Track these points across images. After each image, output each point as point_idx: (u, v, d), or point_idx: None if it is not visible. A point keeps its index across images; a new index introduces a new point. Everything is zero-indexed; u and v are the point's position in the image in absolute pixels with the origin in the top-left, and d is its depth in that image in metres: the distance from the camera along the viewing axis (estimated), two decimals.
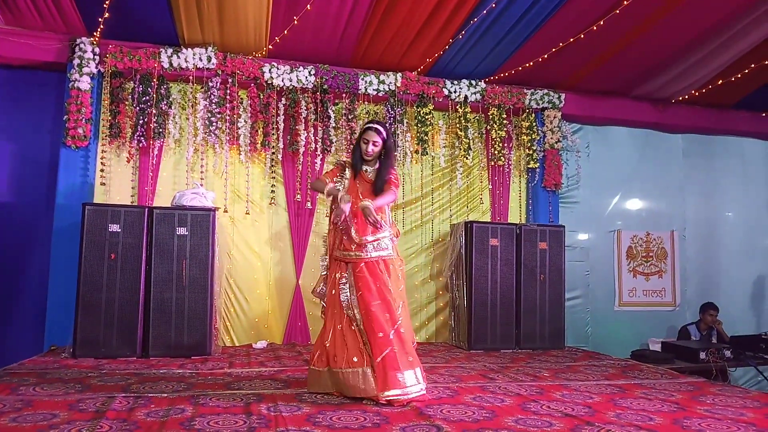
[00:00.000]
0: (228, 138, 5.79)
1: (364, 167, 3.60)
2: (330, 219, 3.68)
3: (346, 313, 3.44)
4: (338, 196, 3.40)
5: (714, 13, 5.26)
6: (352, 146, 3.84)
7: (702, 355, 5.30)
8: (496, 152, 6.54)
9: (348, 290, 3.47)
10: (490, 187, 6.64)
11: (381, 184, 3.52)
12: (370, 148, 3.52)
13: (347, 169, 3.63)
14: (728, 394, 3.77)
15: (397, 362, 3.25)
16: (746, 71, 6.17)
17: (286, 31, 5.33)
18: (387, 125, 3.68)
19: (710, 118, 7.31)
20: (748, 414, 3.22)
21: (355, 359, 3.34)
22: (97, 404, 3.09)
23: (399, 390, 3.22)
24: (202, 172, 5.76)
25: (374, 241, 3.45)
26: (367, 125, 3.59)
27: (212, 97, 5.71)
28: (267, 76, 5.82)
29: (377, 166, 3.60)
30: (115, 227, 4.80)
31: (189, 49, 5.61)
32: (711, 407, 3.38)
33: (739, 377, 6.75)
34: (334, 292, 3.52)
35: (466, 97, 6.42)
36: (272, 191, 5.96)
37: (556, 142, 6.68)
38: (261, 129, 5.86)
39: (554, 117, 6.69)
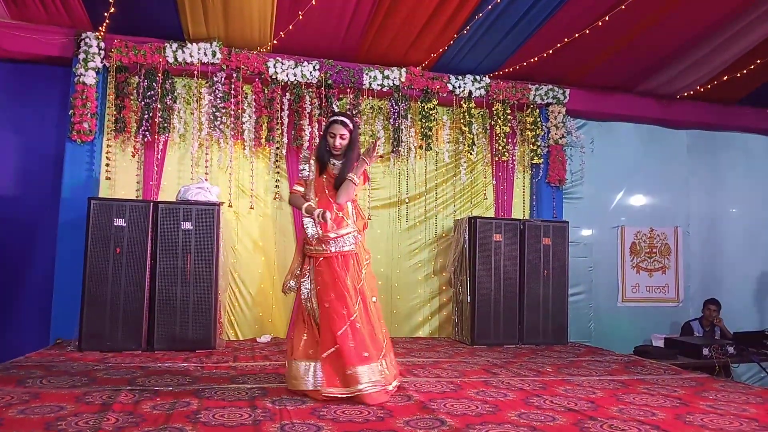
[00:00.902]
0: (232, 133, 5.80)
1: (332, 161, 3.50)
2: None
3: (305, 305, 3.44)
4: (317, 214, 3.37)
5: (719, 9, 5.25)
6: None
7: (705, 351, 5.31)
8: (500, 148, 6.54)
9: (309, 284, 3.44)
10: (494, 182, 6.63)
11: (345, 172, 3.44)
12: (338, 141, 3.44)
13: (310, 162, 3.56)
14: (731, 389, 3.78)
15: (346, 359, 3.18)
16: (751, 67, 6.15)
17: (291, 26, 5.33)
18: (352, 116, 3.63)
19: (715, 114, 7.30)
20: (750, 409, 3.24)
21: (310, 351, 3.35)
22: (104, 397, 3.12)
23: (343, 389, 3.17)
24: (206, 166, 5.78)
25: (336, 237, 3.39)
26: (332, 119, 3.50)
27: (217, 91, 5.73)
28: (272, 71, 5.83)
29: (344, 159, 3.50)
30: (120, 221, 4.83)
31: (194, 44, 5.62)
32: (714, 403, 3.39)
33: (742, 373, 6.75)
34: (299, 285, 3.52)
35: (470, 93, 6.42)
36: (276, 186, 5.98)
37: (561, 138, 6.67)
38: (265, 124, 5.87)
39: (558, 112, 6.68)
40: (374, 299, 3.51)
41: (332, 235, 3.38)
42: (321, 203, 3.46)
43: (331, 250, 3.39)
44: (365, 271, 3.48)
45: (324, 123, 5.90)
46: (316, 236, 3.39)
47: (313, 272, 3.44)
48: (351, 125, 3.48)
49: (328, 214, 3.36)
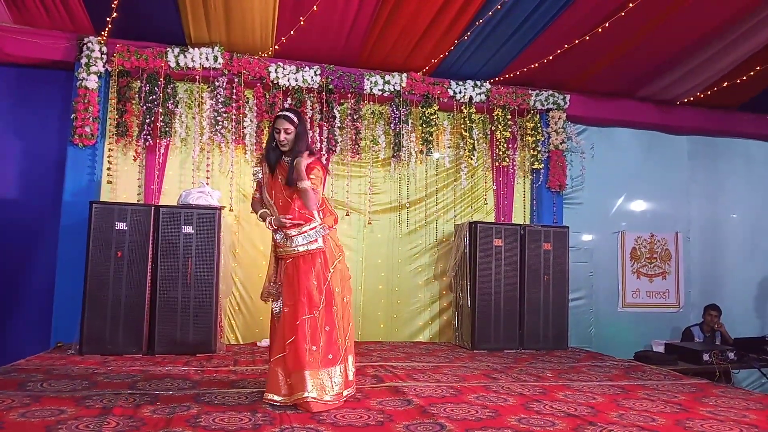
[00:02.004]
0: (234, 137, 5.82)
1: (284, 158, 3.43)
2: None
3: (274, 309, 3.40)
4: (268, 222, 3.39)
5: (719, 15, 5.26)
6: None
7: (705, 357, 5.30)
8: (501, 153, 6.55)
9: (278, 287, 3.39)
10: (495, 187, 6.65)
11: (292, 173, 3.33)
12: (282, 136, 3.35)
13: (263, 164, 3.52)
14: (731, 395, 3.78)
15: (291, 365, 3.15)
16: (752, 73, 6.16)
17: (292, 32, 5.35)
18: (299, 111, 3.57)
19: (715, 119, 7.30)
20: (750, 416, 3.24)
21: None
22: (104, 401, 3.13)
23: (283, 397, 3.15)
24: (207, 171, 5.79)
25: (298, 234, 3.33)
26: (277, 114, 3.44)
27: (218, 96, 5.74)
28: (273, 75, 5.85)
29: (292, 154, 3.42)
30: (121, 225, 4.84)
31: (196, 49, 5.64)
32: (714, 409, 3.39)
33: (743, 379, 6.75)
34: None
35: (471, 98, 6.43)
36: None
37: (561, 143, 6.68)
38: (266, 129, 5.88)
39: (559, 118, 6.70)
40: (345, 298, 3.46)
41: (293, 232, 3.32)
42: (278, 202, 3.40)
43: (298, 249, 3.32)
44: (333, 269, 3.39)
45: (325, 128, 5.98)
46: (280, 237, 3.36)
47: (283, 275, 3.39)
48: (296, 119, 3.40)
49: (283, 219, 3.32)
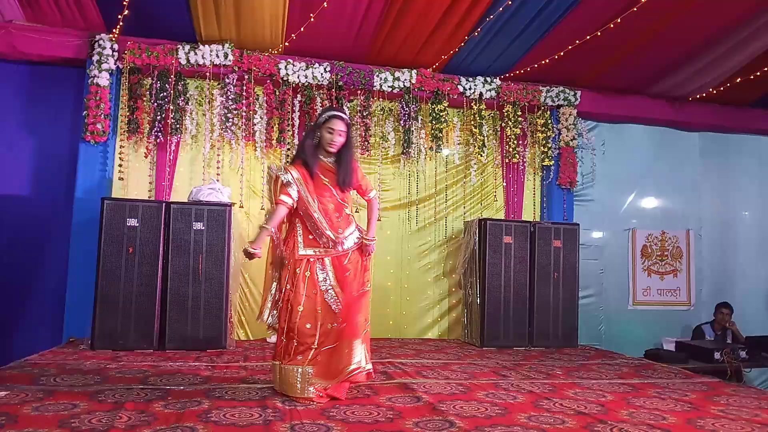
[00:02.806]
0: (244, 134, 5.84)
1: (326, 159, 3.33)
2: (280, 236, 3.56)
3: (323, 297, 3.34)
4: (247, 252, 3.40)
5: (732, 11, 5.21)
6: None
7: (717, 355, 5.28)
8: (511, 149, 6.53)
9: (327, 284, 3.34)
10: (505, 184, 6.63)
11: (345, 175, 3.33)
12: (337, 139, 3.24)
13: (290, 172, 3.31)
14: (743, 394, 3.75)
15: (348, 335, 3.27)
16: (765, 69, 6.09)
17: (302, 28, 5.36)
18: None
19: (727, 116, 7.24)
20: (763, 415, 3.21)
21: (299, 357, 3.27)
22: (116, 396, 3.16)
23: (326, 383, 3.24)
24: (218, 167, 5.82)
25: (351, 234, 3.43)
26: (331, 114, 3.25)
27: (229, 93, 5.76)
28: (283, 72, 5.86)
29: (337, 157, 3.34)
30: (133, 222, 4.87)
31: (206, 46, 5.66)
32: (725, 407, 3.37)
33: (755, 378, 6.69)
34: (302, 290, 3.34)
35: (481, 94, 6.41)
36: None
37: (572, 140, 6.65)
38: (277, 125, 5.90)
39: (570, 114, 6.66)
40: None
41: (347, 233, 3.41)
42: (324, 202, 3.34)
43: (350, 246, 3.43)
44: (367, 264, 3.56)
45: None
46: (333, 238, 3.35)
47: (340, 271, 3.37)
48: (349, 120, 3.34)
49: (253, 249, 3.32)
